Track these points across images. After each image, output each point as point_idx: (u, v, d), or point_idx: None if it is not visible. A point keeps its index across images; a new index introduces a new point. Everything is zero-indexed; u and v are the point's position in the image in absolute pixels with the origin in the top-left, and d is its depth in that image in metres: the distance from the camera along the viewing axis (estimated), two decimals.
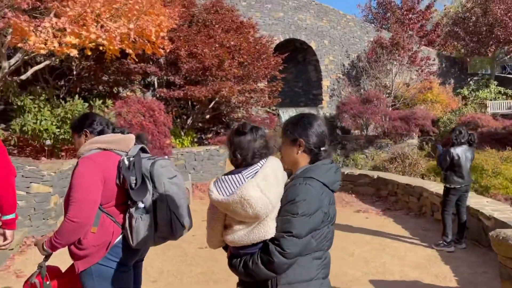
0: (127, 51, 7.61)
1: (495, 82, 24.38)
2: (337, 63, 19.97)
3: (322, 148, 1.79)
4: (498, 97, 23.45)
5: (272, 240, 1.60)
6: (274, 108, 16.89)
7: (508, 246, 3.32)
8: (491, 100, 23.19)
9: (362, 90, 20.39)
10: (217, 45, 11.50)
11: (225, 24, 12.41)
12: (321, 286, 1.70)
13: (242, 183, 1.65)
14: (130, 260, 2.40)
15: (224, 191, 1.66)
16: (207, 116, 13.33)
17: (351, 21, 20.68)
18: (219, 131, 14.45)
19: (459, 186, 5.22)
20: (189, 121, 12.78)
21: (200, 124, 13.67)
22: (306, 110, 18.41)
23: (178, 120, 12.66)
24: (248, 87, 12.16)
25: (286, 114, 17.48)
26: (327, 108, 19.48)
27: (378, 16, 30.39)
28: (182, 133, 12.28)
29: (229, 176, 1.73)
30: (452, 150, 5.25)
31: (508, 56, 24.36)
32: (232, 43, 11.68)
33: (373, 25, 22.63)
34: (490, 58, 24.89)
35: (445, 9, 34.35)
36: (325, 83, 19.52)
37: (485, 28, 22.94)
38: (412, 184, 7.52)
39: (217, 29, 12.03)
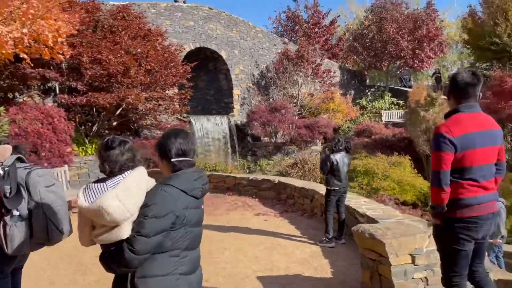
0: (21, 56, 7.31)
1: (389, 94, 27.01)
2: (247, 72, 20.68)
3: (183, 159, 2.00)
4: (392, 107, 26.02)
5: (127, 239, 1.83)
6: (185, 115, 17.01)
7: (365, 238, 3.93)
8: (385, 110, 25.66)
9: (271, 100, 21.33)
10: (123, 52, 11.37)
11: (132, 31, 12.32)
12: (177, 281, 1.93)
13: (104, 192, 1.87)
14: (6, 267, 2.47)
15: (89, 198, 1.88)
16: (114, 123, 13.06)
17: (260, 33, 21.59)
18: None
19: (338, 188, 5.89)
20: (95, 128, 12.42)
21: (106, 131, 13.31)
22: (218, 118, 18.81)
23: (82, 127, 12.24)
24: (156, 95, 12.19)
25: (198, 121, 17.70)
26: (238, 116, 20.06)
27: (288, 29, 32.03)
28: (87, 141, 11.90)
29: (96, 184, 1.95)
30: (331, 156, 5.92)
31: (399, 71, 27.26)
32: (139, 50, 11.64)
33: (280, 38, 23.82)
34: (385, 71, 27.56)
35: (346, 25, 37.27)
36: (236, 91, 20.11)
37: (380, 44, 25.38)
38: (307, 188, 8.18)
39: (124, 35, 11.89)
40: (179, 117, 16.75)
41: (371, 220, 5.27)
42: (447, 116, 2.70)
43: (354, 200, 6.55)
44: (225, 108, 20.26)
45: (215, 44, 18.99)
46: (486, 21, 25.45)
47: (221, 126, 18.79)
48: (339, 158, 5.91)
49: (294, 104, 20.66)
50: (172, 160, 1.98)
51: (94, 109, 12.14)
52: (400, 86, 29.20)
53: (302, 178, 11.57)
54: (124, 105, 11.74)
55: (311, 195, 7.95)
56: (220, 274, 4.86)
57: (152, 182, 2.04)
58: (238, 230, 6.96)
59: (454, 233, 2.60)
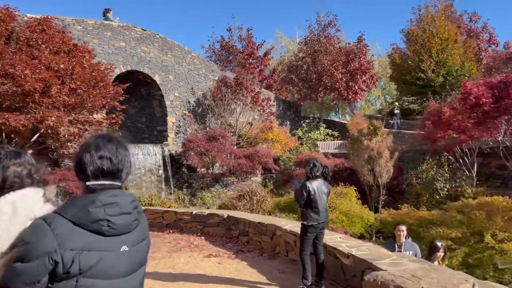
0: None
1: (324, 125, 27.24)
2: (182, 99, 19.50)
3: (103, 182, 1.51)
4: (327, 138, 26.16)
5: None
6: None
7: None
8: (321, 140, 25.71)
9: (207, 128, 20.25)
10: (42, 68, 9.74)
11: (54, 45, 10.71)
12: None
13: None
14: None
15: None
16: (30, 151, 11.07)
17: (196, 58, 20.66)
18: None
19: (316, 223, 4.90)
20: None
21: None
22: (150, 147, 17.24)
23: None
24: (82, 118, 10.56)
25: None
26: (172, 145, 18.64)
27: (222, 58, 31.55)
28: None
29: None
30: (308, 184, 4.94)
31: (334, 102, 27.70)
32: (62, 66, 10.05)
33: (218, 64, 23.06)
34: (320, 103, 27.87)
35: (281, 57, 37.82)
36: (171, 119, 18.76)
37: (315, 76, 25.67)
38: (265, 223, 7.11)
39: (44, 49, 10.27)
40: None
41: (361, 262, 4.32)
42: None
43: (328, 236, 5.60)
44: (159, 137, 18.76)
45: (148, 68, 17.66)
46: (411, 58, 27.00)
47: (154, 156, 17.23)
48: (317, 186, 4.94)
49: (232, 134, 19.75)
50: (87, 183, 1.51)
51: (3, 134, 10.16)
52: (333, 118, 29.75)
53: (250, 211, 10.50)
54: (43, 130, 9.96)
55: (271, 231, 6.88)
56: None
57: (47, 208, 1.55)
58: (188, 278, 5.64)
59: None
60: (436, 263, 5.14)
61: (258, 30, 72.35)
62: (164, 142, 18.30)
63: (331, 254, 5.07)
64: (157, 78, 18.13)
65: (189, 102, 19.86)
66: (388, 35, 56.86)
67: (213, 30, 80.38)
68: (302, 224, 5.01)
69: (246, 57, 30.11)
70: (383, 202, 16.01)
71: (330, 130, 26.86)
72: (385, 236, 13.87)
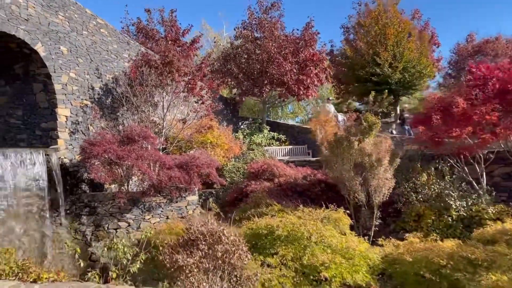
0: None
1: (268, 127, 22.45)
2: (82, 84, 13.30)
3: None
4: (272, 143, 21.37)
5: None
6: None
7: None
8: (265, 146, 20.85)
9: (121, 126, 14.26)
10: None
11: None
12: None
13: None
14: None
15: None
16: None
17: (104, 27, 14.56)
18: None
19: None
20: None
21: None
22: (26, 153, 10.83)
23: None
24: None
25: None
26: (65, 150, 12.35)
27: (139, 43, 25.30)
28: None
29: None
30: None
31: (282, 99, 22.94)
32: None
33: (136, 42, 17.02)
34: (263, 99, 22.99)
35: (209, 52, 32.40)
36: (63, 112, 12.47)
37: (258, 66, 20.76)
38: None
39: None
40: None
41: None
42: None
43: None
44: (43, 138, 12.35)
45: (24, 32, 11.28)
46: (365, 50, 23.39)
47: (32, 167, 10.85)
48: None
49: (155, 134, 13.99)
50: None
51: None
52: (278, 119, 25.09)
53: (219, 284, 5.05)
54: None
55: None
56: None
57: None
58: None
59: None
60: None
61: (181, 17, 65.13)
62: (52, 146, 11.97)
63: None
64: (40, 49, 11.79)
65: (92, 88, 13.69)
66: (325, 33, 54.32)
67: (126, 9, 59.51)
68: None
69: (169, 43, 24.26)
70: (376, 228, 11.43)
71: (275, 133, 22.13)
72: (398, 284, 9.26)
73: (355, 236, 10.19)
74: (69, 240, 11.41)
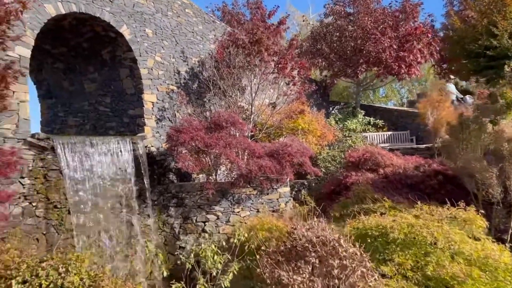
0: None
1: (362, 111, 20.38)
2: (168, 68, 12.64)
3: None
4: (368, 129, 19.30)
5: None
6: (42, 137, 8.69)
7: None
8: (360, 132, 18.86)
9: (207, 113, 13.44)
10: None
11: None
12: None
13: None
14: None
15: None
16: None
17: (189, 7, 13.77)
18: None
19: None
20: None
21: None
22: (113, 142, 10.35)
23: None
24: None
25: (70, 148, 9.17)
26: (152, 138, 11.79)
27: None
28: None
29: None
30: None
31: (379, 79, 20.67)
32: None
33: (222, 22, 16.07)
34: (355, 83, 20.92)
35: (295, 35, 30.82)
36: (150, 98, 11.90)
37: (352, 44, 18.74)
38: None
39: None
40: (29, 139, 8.43)
41: None
42: None
43: None
44: (130, 125, 11.92)
45: (109, 13, 10.79)
46: (477, 21, 20.08)
47: (120, 156, 10.37)
48: None
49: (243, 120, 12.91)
50: None
51: None
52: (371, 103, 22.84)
53: None
54: None
55: None
56: None
57: None
58: None
59: None
60: None
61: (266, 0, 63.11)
62: (139, 134, 11.45)
63: None
64: (125, 32, 11.26)
65: (178, 72, 12.99)
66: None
67: None
68: None
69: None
70: None
71: (371, 118, 20.01)
72: None
73: (492, 241, 8.11)
74: (156, 233, 10.85)
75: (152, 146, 11.62)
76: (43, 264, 4.15)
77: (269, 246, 4.87)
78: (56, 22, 10.07)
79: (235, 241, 5.01)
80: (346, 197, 10.52)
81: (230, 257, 4.74)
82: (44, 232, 8.47)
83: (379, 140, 18.07)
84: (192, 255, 4.71)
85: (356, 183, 10.74)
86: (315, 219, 6.07)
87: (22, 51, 8.51)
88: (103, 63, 12.08)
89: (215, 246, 4.87)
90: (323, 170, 12.77)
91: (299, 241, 4.51)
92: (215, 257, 4.54)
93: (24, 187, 8.26)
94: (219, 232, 10.69)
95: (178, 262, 5.58)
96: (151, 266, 8.48)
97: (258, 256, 4.81)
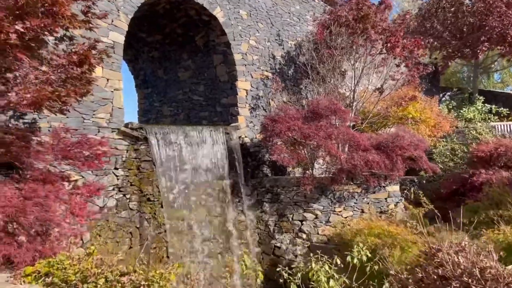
0: None
1: (481, 98, 17.62)
2: (263, 52, 11.74)
3: None
4: (490, 118, 16.58)
5: None
6: (136, 125, 8.34)
7: None
8: (479, 121, 16.24)
9: (304, 100, 12.31)
10: None
11: None
12: None
13: None
14: None
15: None
16: None
17: None
18: None
19: None
20: None
21: None
22: (207, 132, 9.75)
23: None
24: None
25: (163, 138, 8.73)
26: (246, 128, 11.01)
27: None
28: None
29: None
30: None
31: (506, 59, 17.68)
32: None
33: (320, 1, 14.71)
34: (473, 65, 18.16)
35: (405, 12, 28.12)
36: (243, 85, 11.13)
37: (471, 20, 16.13)
38: None
39: None
40: (122, 128, 8.11)
41: None
42: None
43: None
44: (223, 115, 11.28)
45: None
46: None
47: (212, 147, 9.74)
48: None
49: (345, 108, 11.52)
50: None
51: None
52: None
53: None
54: None
55: None
56: None
57: None
58: None
59: None
60: None
61: None
62: (232, 124, 10.75)
63: None
64: (218, 14, 10.56)
65: (273, 57, 12.04)
66: None
67: None
68: None
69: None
70: None
71: (492, 106, 17.19)
72: None
73: None
74: (252, 230, 10.08)
75: (245, 137, 10.86)
76: (124, 279, 3.43)
77: (400, 271, 3.61)
78: (151, 7, 9.70)
79: (355, 261, 3.86)
80: (474, 200, 8.69)
81: (348, 282, 3.63)
82: (138, 226, 8.12)
83: (507, 131, 15.35)
84: (299, 275, 3.71)
85: (487, 182, 8.82)
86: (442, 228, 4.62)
87: (116, 37, 8.17)
88: (196, 50, 11.59)
89: (329, 266, 3.76)
90: (440, 166, 10.91)
91: (447, 269, 3.23)
92: (331, 282, 3.50)
93: (118, 179, 7.96)
94: (318, 233, 9.58)
95: (275, 276, 4.58)
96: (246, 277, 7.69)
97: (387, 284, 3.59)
